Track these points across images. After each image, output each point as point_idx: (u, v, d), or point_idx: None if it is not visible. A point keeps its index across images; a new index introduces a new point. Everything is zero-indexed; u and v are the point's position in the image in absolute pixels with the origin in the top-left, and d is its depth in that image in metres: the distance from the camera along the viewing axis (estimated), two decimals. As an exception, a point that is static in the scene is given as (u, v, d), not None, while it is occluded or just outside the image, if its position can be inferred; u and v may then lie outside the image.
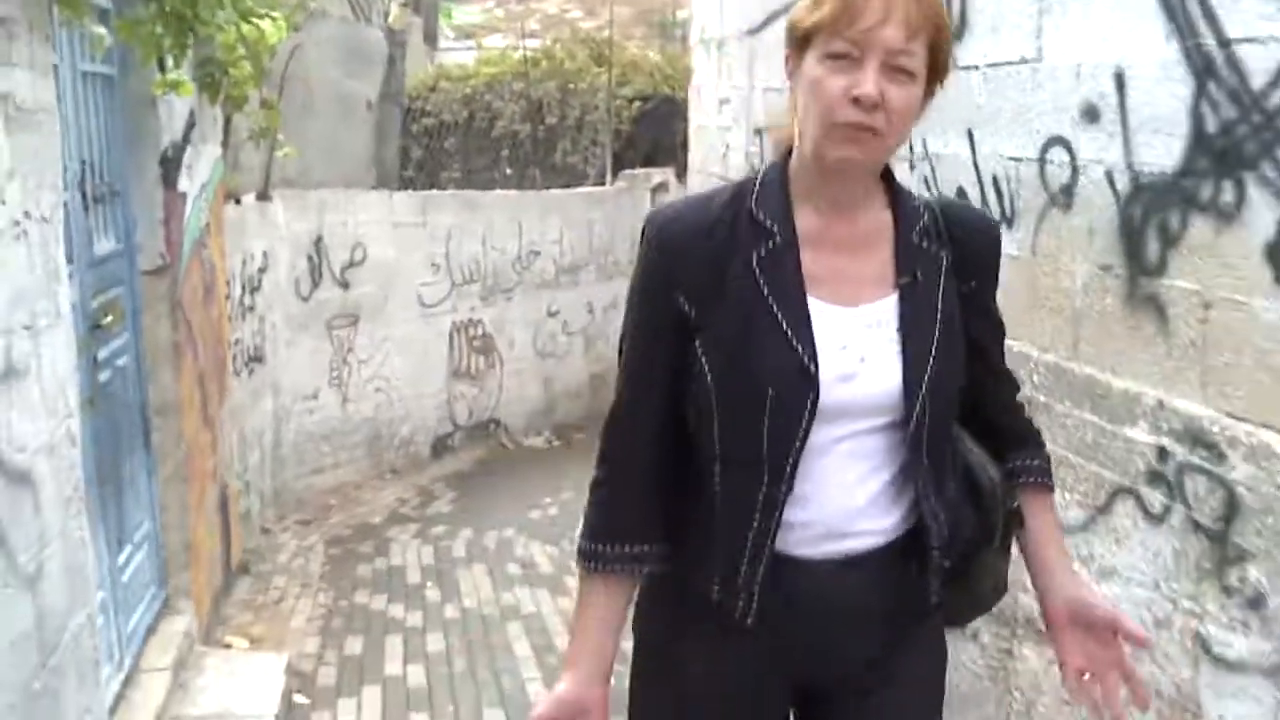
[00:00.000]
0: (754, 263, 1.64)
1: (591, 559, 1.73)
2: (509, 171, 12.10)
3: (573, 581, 5.53)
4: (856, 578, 1.68)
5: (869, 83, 1.51)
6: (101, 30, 3.14)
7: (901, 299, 1.66)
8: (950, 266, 1.71)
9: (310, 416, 7.72)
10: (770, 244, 1.64)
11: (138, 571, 4.18)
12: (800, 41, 1.60)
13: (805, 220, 1.66)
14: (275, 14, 4.17)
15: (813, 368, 1.61)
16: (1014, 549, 1.85)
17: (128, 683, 3.88)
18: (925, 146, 3.55)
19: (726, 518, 1.68)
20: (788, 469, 1.63)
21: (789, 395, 1.61)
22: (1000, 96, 3.15)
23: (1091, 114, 2.77)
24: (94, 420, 3.62)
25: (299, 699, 4.41)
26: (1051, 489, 1.85)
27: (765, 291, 1.63)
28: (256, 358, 6.72)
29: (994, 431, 1.83)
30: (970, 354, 1.73)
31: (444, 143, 12.54)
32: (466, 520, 7.12)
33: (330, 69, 7.86)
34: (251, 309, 6.60)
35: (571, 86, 11.95)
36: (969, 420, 1.81)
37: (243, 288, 6.41)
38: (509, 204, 9.45)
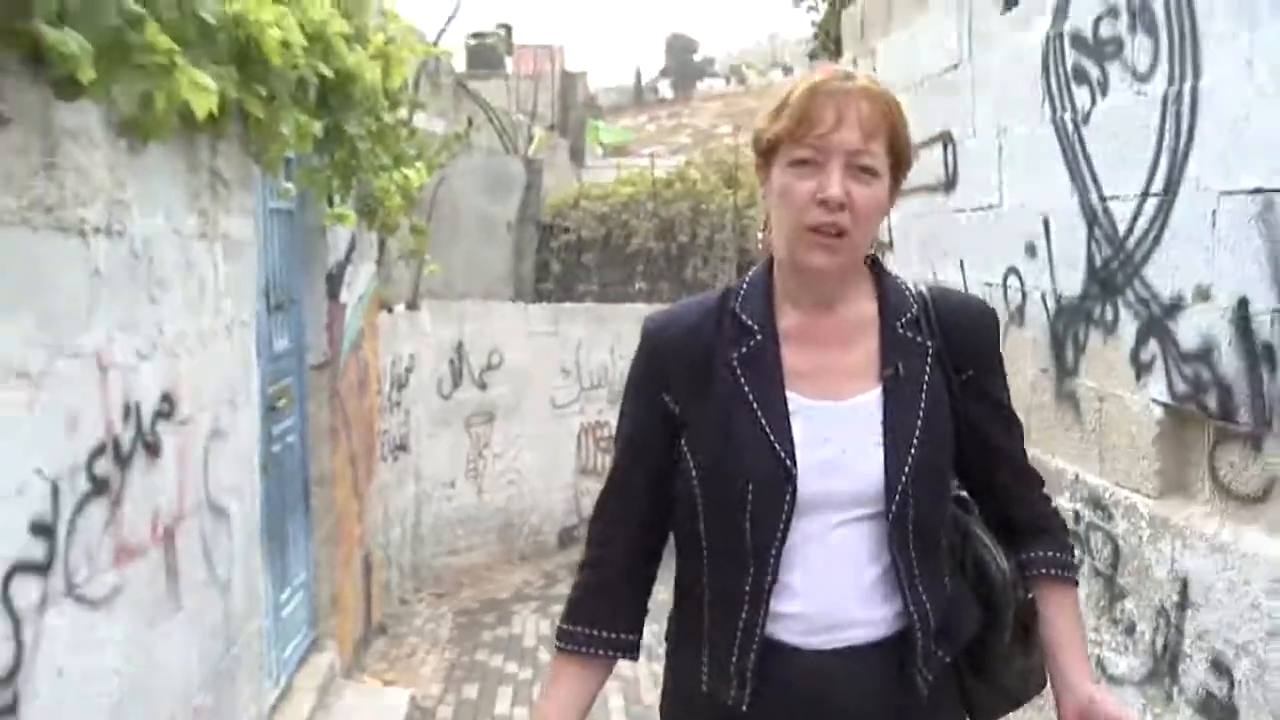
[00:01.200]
0: (734, 361, 1.73)
1: (565, 639, 1.82)
2: (642, 286, 13.18)
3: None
4: (851, 669, 1.72)
5: (833, 184, 1.62)
6: (289, 185, 4.29)
7: (885, 391, 1.73)
8: (939, 356, 1.76)
9: (448, 503, 8.79)
10: (751, 342, 1.73)
11: (294, 611, 5.22)
12: (766, 152, 1.71)
13: (788, 318, 1.76)
14: (419, 164, 5.31)
15: (789, 462, 1.68)
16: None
17: (282, 698, 4.87)
18: (934, 274, 4.42)
19: (716, 609, 1.74)
20: (771, 560, 1.69)
21: (768, 489, 1.68)
22: (977, 235, 4.02)
23: (1031, 250, 3.62)
24: (266, 484, 4.68)
25: (420, 724, 5.36)
26: (1071, 582, 1.85)
27: (746, 388, 1.72)
28: (402, 446, 7.84)
29: (1007, 522, 1.86)
30: (977, 444, 1.79)
31: (582, 257, 13.72)
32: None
33: (474, 195, 9.11)
34: (399, 404, 7.74)
35: (703, 206, 13.04)
36: (984, 510, 1.87)
37: (392, 385, 7.55)
38: (636, 316, 10.48)
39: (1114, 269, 3.17)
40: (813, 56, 7.89)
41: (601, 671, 1.84)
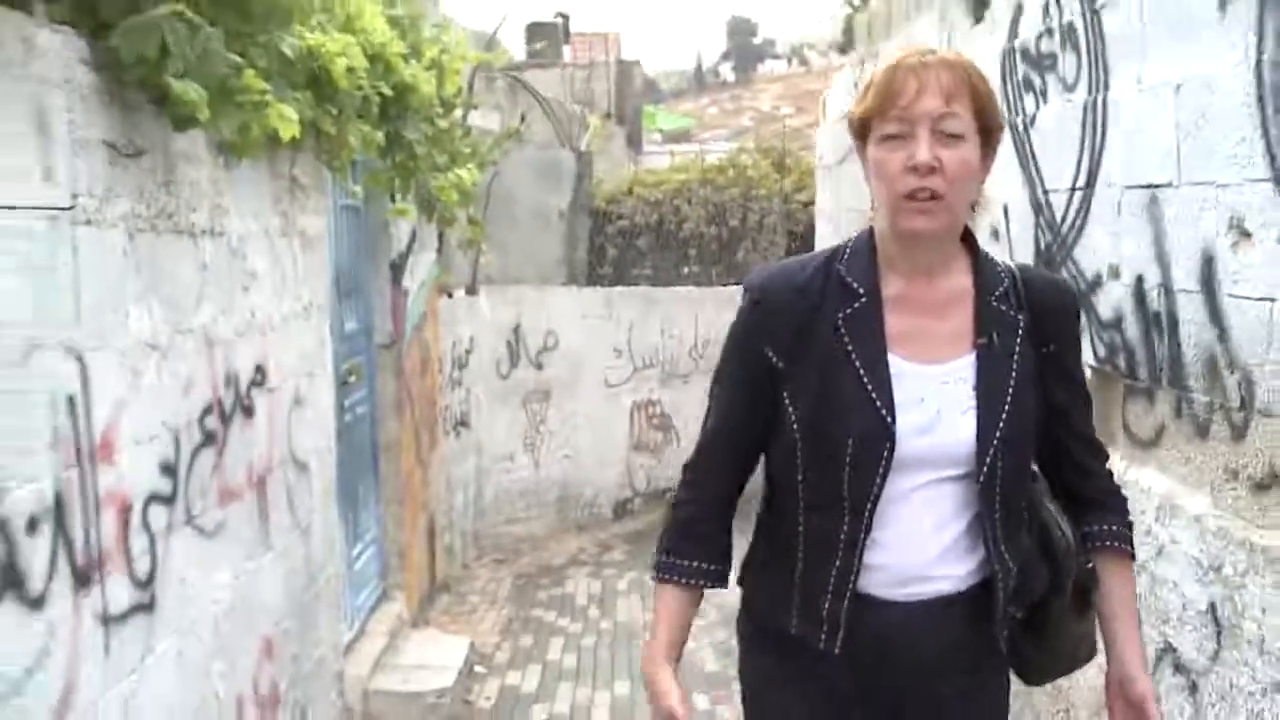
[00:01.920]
0: (840, 321, 1.86)
1: (663, 570, 2.01)
2: (694, 269, 13.77)
3: (709, 609, 7.02)
4: (931, 620, 1.87)
5: (922, 150, 1.75)
6: (356, 188, 4.98)
7: (978, 358, 1.86)
8: (1028, 330, 1.89)
9: (507, 475, 9.49)
10: (856, 304, 1.87)
11: (365, 564, 5.93)
12: (860, 132, 1.86)
13: (890, 283, 1.88)
14: (472, 163, 5.97)
15: (890, 421, 1.81)
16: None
17: (355, 639, 5.58)
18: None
19: (810, 557, 1.88)
20: (866, 513, 1.83)
21: (868, 445, 1.82)
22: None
23: (995, 234, 4.19)
24: (340, 450, 5.37)
25: (479, 669, 6.04)
26: (1130, 555, 2.00)
27: (850, 348, 1.84)
28: (463, 422, 8.54)
29: (1075, 495, 2.00)
30: (1052, 416, 1.93)
31: (636, 242, 14.34)
32: (635, 566, 8.64)
33: (528, 186, 9.78)
34: (459, 383, 8.43)
35: (753, 192, 13.60)
36: (1052, 482, 2.00)
37: (453, 365, 8.25)
38: (686, 298, 11.12)
39: (1054, 251, 3.74)
40: (842, 50, 8.44)
41: (696, 598, 2.01)
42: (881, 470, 1.82)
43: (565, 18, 26.80)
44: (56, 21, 2.58)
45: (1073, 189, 3.54)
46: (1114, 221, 3.28)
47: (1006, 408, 1.83)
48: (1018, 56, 3.92)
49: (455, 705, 5.38)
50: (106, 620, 2.74)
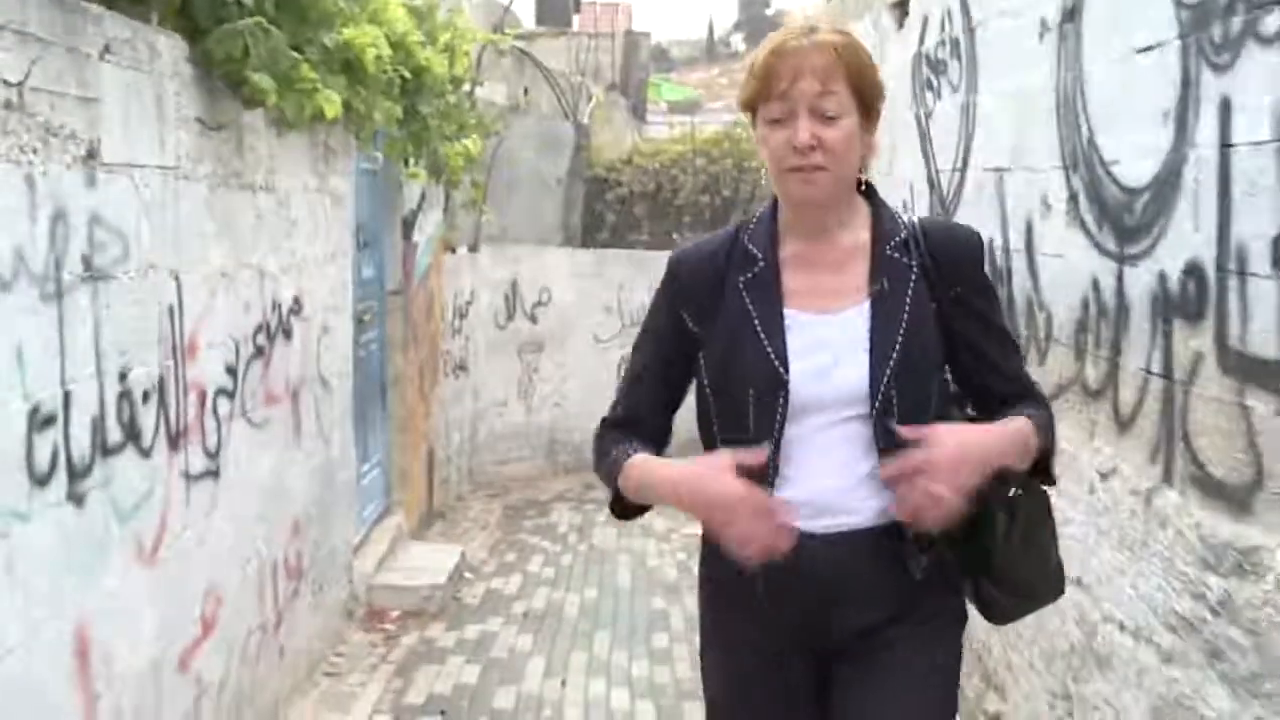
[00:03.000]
0: (741, 284, 2.04)
1: (615, 457, 2.09)
2: (689, 235, 14.70)
3: (671, 533, 8.02)
4: (845, 552, 2.00)
5: (801, 131, 1.91)
6: (378, 154, 5.94)
7: (872, 304, 2.00)
8: (924, 274, 2.02)
9: (500, 419, 10.47)
10: (756, 268, 2.04)
11: (372, 481, 6.90)
12: (749, 113, 2.02)
13: (789, 246, 2.06)
14: (476, 135, 6.92)
15: (783, 370, 1.98)
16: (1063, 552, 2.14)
17: (361, 544, 6.55)
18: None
19: None
20: (769, 453, 1.98)
21: (766, 392, 1.99)
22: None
23: (905, 206, 5.14)
24: (355, 379, 6.34)
25: (468, 575, 7.04)
26: (1039, 425, 2.04)
27: (750, 307, 2.02)
28: (462, 367, 9.51)
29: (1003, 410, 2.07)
30: (970, 357, 2.07)
31: (634, 209, 15.28)
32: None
33: (529, 154, 10.72)
34: (460, 331, 9.40)
35: (745, 164, 14.52)
36: (984, 420, 2.08)
37: (454, 314, 9.21)
38: (673, 261, 12.07)
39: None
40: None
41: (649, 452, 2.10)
42: (779, 414, 1.98)
43: (576, -15, 27.56)
44: (166, 28, 3.53)
45: (953, 170, 4.48)
46: (976, 196, 4.23)
47: (897, 348, 1.96)
48: (923, 60, 4.85)
49: (446, 599, 6.37)
50: (188, 477, 3.73)
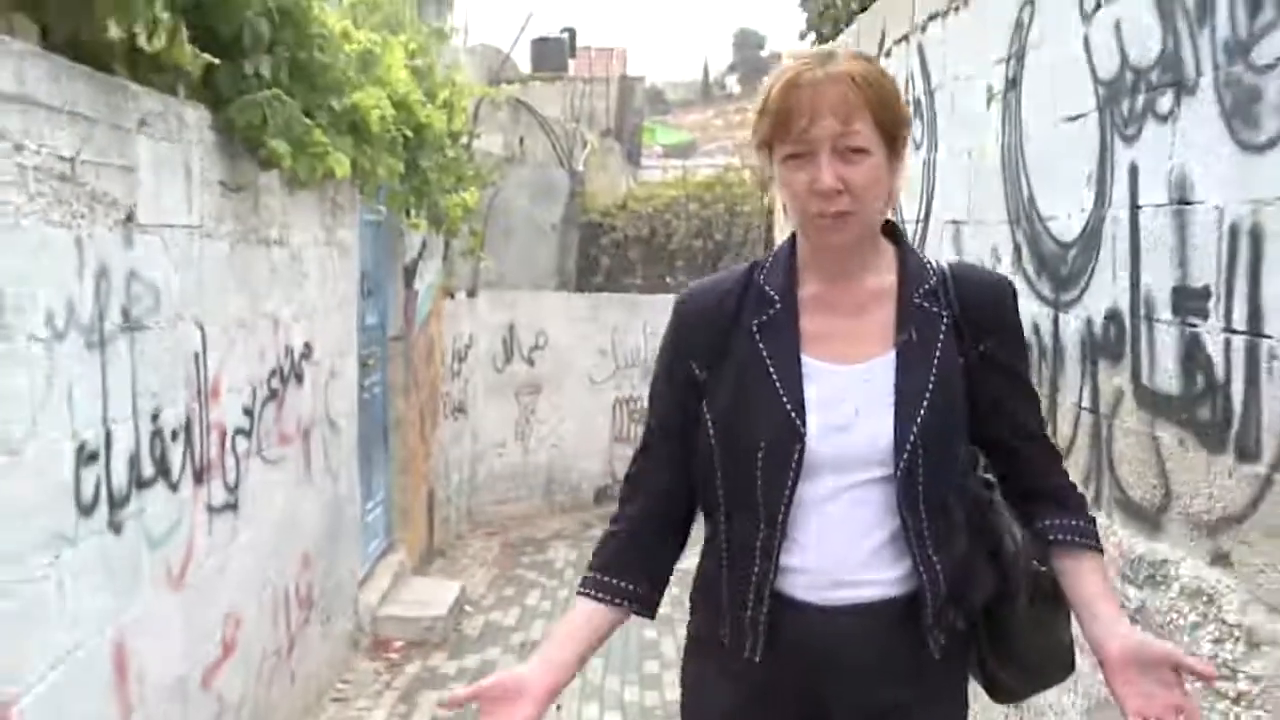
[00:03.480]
0: (755, 327, 1.86)
1: (585, 585, 1.94)
2: (683, 279, 15.08)
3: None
4: (860, 627, 1.83)
5: (824, 175, 1.73)
6: (381, 207, 6.32)
7: (899, 356, 1.83)
8: (954, 326, 1.85)
9: (499, 459, 10.80)
10: (771, 310, 1.87)
11: (375, 519, 7.24)
12: (764, 152, 1.85)
13: (809, 287, 1.89)
14: (474, 186, 7.31)
15: (799, 421, 1.80)
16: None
17: (365, 578, 6.88)
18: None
19: (732, 564, 1.87)
20: (780, 516, 1.81)
21: (779, 447, 1.81)
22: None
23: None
24: (360, 421, 6.69)
25: (468, 609, 7.36)
26: (1095, 550, 1.91)
27: (764, 353, 1.85)
28: (461, 409, 9.86)
29: (1026, 494, 1.94)
30: (994, 414, 1.90)
31: (628, 253, 15.68)
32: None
33: (524, 202, 11.13)
34: (459, 374, 9.76)
35: (738, 208, 14.94)
36: (1003, 483, 1.95)
37: (454, 358, 9.57)
38: (667, 304, 12.39)
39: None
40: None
41: (612, 619, 1.94)
42: (793, 473, 1.81)
43: (571, 32, 28.13)
44: (192, 99, 3.91)
45: (917, 221, 4.84)
46: (938, 246, 4.59)
47: (925, 405, 1.81)
48: (890, 121, 5.25)
49: (447, 631, 6.69)
50: (210, 509, 4.07)
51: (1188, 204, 2.67)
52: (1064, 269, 3.40)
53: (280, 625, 4.87)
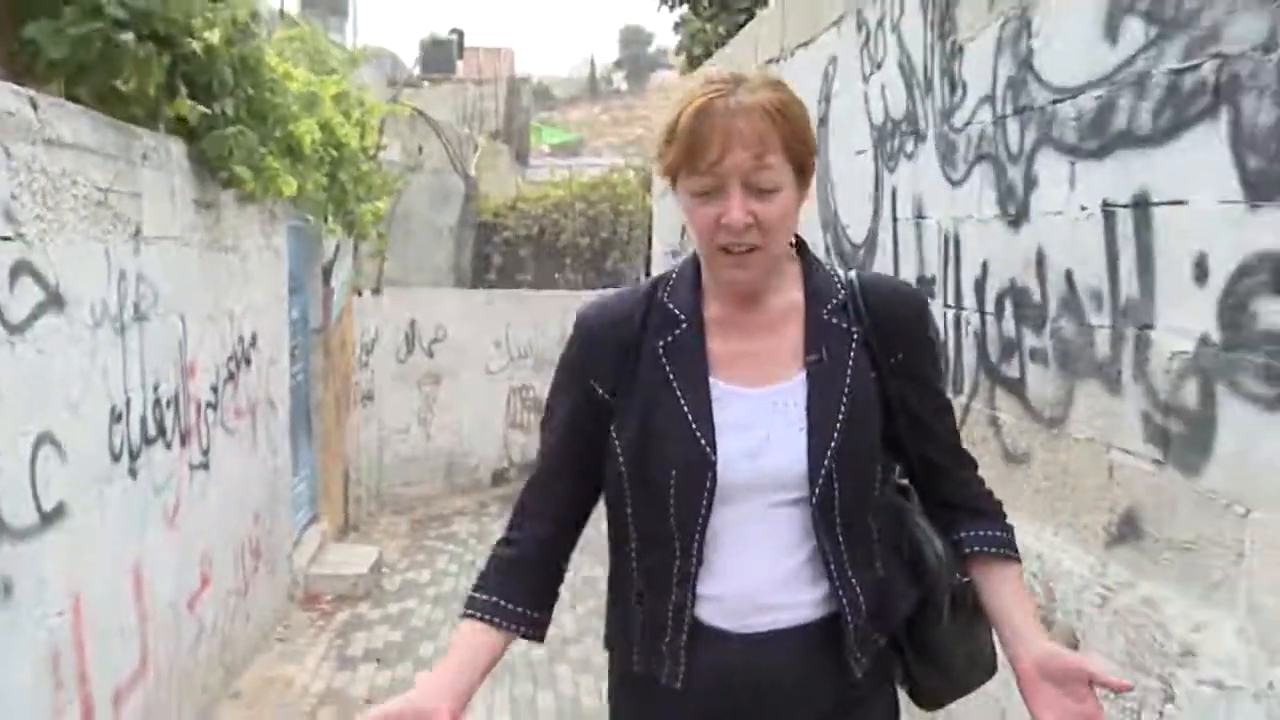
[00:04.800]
0: (660, 349, 1.83)
1: (470, 605, 1.89)
2: (571, 275, 16.20)
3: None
4: (776, 652, 1.81)
5: (733, 210, 1.69)
6: (309, 217, 7.34)
7: (809, 376, 1.81)
8: (865, 341, 1.83)
9: (403, 445, 11.81)
10: (677, 331, 1.84)
11: (300, 492, 8.23)
12: (668, 175, 1.79)
13: (715, 308, 1.84)
14: (384, 196, 8.34)
15: (710, 449, 1.77)
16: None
17: (295, 544, 7.88)
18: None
19: (648, 593, 1.85)
20: (695, 544, 1.79)
21: (690, 475, 1.78)
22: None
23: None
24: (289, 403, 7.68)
25: (385, 570, 8.40)
26: (1013, 559, 1.91)
27: (670, 376, 1.81)
28: (369, 396, 10.85)
29: (944, 504, 1.93)
30: (910, 426, 1.87)
31: (519, 251, 16.75)
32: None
33: (424, 206, 12.17)
34: (366, 364, 10.75)
35: (622, 207, 16.09)
36: (921, 495, 1.96)
37: (361, 350, 10.56)
38: (556, 299, 13.54)
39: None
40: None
41: (498, 643, 1.87)
42: (706, 500, 1.78)
43: (460, 34, 29.00)
44: (172, 133, 4.93)
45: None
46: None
47: (839, 426, 1.78)
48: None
49: (370, 586, 7.73)
50: (191, 466, 5.09)
51: (923, 218, 3.88)
52: (855, 263, 4.60)
53: (239, 570, 5.89)
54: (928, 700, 2.05)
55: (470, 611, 1.88)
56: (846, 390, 1.81)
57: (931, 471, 1.93)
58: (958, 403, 3.63)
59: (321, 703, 5.64)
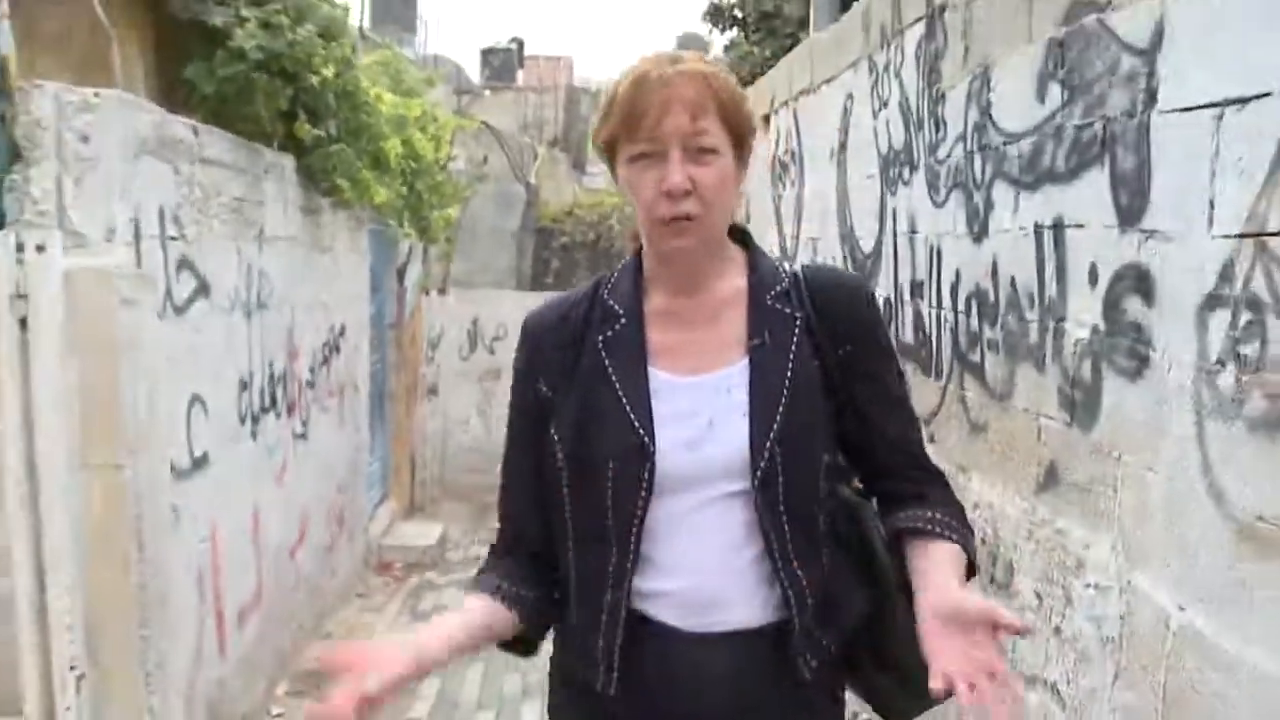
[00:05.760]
0: (600, 344, 1.83)
1: (467, 589, 1.95)
2: (625, 279, 17.06)
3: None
4: (723, 653, 1.79)
5: (674, 173, 1.69)
6: (392, 222, 8.28)
7: (751, 362, 1.80)
8: (808, 327, 1.81)
9: (464, 435, 12.73)
10: (617, 325, 1.84)
11: (374, 471, 9.16)
12: (608, 153, 1.80)
13: (656, 300, 1.86)
14: (455, 205, 9.27)
15: (647, 439, 1.76)
16: None
17: (369, 518, 8.80)
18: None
19: (581, 591, 1.83)
20: (632, 539, 1.77)
21: (628, 466, 1.76)
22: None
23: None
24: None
25: (449, 544, 9.30)
26: (948, 539, 1.81)
27: (608, 368, 1.81)
28: (434, 390, 11.79)
29: (897, 501, 1.88)
30: (858, 423, 1.85)
31: (575, 255, 17.65)
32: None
33: (489, 212, 13.11)
34: (432, 359, 11.69)
35: (675, 214, 16.92)
36: (872, 493, 1.93)
37: (429, 345, 11.51)
38: (610, 302, 14.44)
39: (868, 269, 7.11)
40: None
41: (492, 614, 1.85)
42: (644, 493, 1.76)
43: (520, 43, 30.04)
44: (282, 150, 5.84)
45: (792, 237, 6.86)
46: (802, 256, 6.60)
47: (781, 409, 1.76)
48: (776, 161, 7.25)
49: (437, 557, 8.64)
50: (294, 435, 6.01)
51: (915, 233, 4.70)
52: (866, 271, 5.43)
53: (327, 530, 6.81)
54: (895, 714, 2.01)
55: (465, 596, 1.92)
56: (789, 374, 1.80)
57: (879, 467, 1.92)
58: (937, 386, 4.44)
59: (398, 646, 6.54)
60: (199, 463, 4.46)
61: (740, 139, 1.80)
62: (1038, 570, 3.53)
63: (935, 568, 1.78)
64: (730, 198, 1.82)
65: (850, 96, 5.68)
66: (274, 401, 5.57)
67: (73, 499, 3.07)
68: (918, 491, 1.90)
